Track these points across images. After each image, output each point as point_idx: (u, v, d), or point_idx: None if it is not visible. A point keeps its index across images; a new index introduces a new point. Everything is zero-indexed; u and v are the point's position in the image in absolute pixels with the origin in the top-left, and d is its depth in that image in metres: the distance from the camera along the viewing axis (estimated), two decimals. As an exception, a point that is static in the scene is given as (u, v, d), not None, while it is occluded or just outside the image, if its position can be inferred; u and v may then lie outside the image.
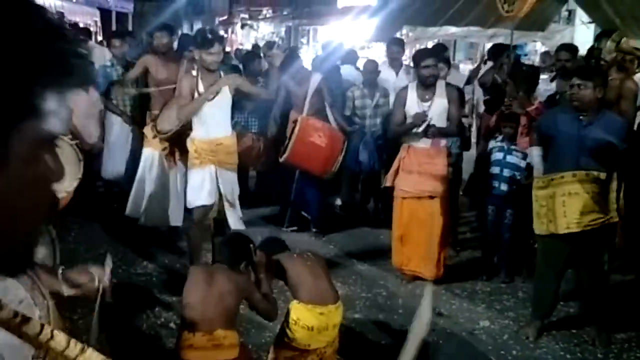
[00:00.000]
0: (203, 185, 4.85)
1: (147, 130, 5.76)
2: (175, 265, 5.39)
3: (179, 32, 10.27)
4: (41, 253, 2.67)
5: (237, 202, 5.07)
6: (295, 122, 5.95)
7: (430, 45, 10.80)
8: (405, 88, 5.36)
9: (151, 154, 5.72)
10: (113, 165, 6.55)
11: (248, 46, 18.83)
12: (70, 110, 2.45)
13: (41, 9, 0.58)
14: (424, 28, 10.39)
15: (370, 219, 6.79)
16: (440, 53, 6.49)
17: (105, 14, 19.96)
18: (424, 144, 5.19)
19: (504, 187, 5.22)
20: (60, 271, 2.15)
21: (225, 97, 4.88)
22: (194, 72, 4.97)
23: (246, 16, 24.67)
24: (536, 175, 4.43)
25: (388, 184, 5.40)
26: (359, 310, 4.72)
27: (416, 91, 5.21)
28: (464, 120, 6.08)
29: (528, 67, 6.59)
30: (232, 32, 25.52)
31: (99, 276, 2.21)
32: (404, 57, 7.76)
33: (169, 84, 5.75)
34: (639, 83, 5.53)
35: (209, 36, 4.83)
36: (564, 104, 4.84)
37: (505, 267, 5.40)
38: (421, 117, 5.09)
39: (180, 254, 5.53)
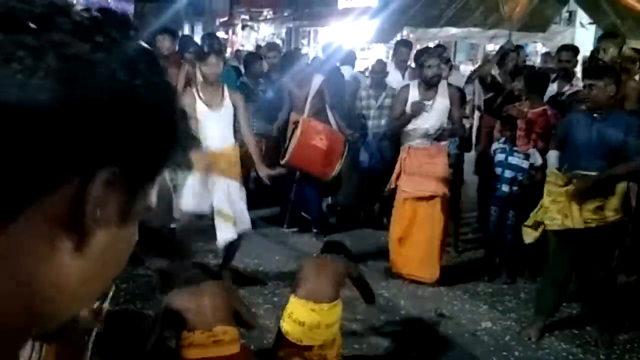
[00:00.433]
0: (194, 193, 4.79)
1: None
2: (176, 266, 5.38)
3: (180, 34, 10.25)
4: None
5: (243, 213, 4.91)
6: (295, 123, 5.93)
7: (431, 46, 10.80)
8: (407, 86, 5.36)
9: None
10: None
11: (249, 47, 18.85)
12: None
13: (175, 92, 0.59)
14: (424, 29, 10.40)
15: (373, 221, 6.77)
16: (441, 53, 6.50)
17: (105, 15, 19.97)
18: (424, 143, 5.18)
19: (506, 188, 5.22)
20: None
21: (227, 110, 4.85)
22: (193, 89, 4.90)
23: (247, 17, 24.64)
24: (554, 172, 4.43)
25: (392, 186, 5.39)
26: (360, 312, 4.70)
27: (418, 90, 5.20)
28: (464, 121, 6.07)
29: (539, 70, 6.57)
30: (233, 33, 25.51)
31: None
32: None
33: None
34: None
35: (205, 49, 4.80)
36: (576, 107, 4.85)
37: (507, 268, 5.39)
38: (420, 106, 5.07)
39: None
